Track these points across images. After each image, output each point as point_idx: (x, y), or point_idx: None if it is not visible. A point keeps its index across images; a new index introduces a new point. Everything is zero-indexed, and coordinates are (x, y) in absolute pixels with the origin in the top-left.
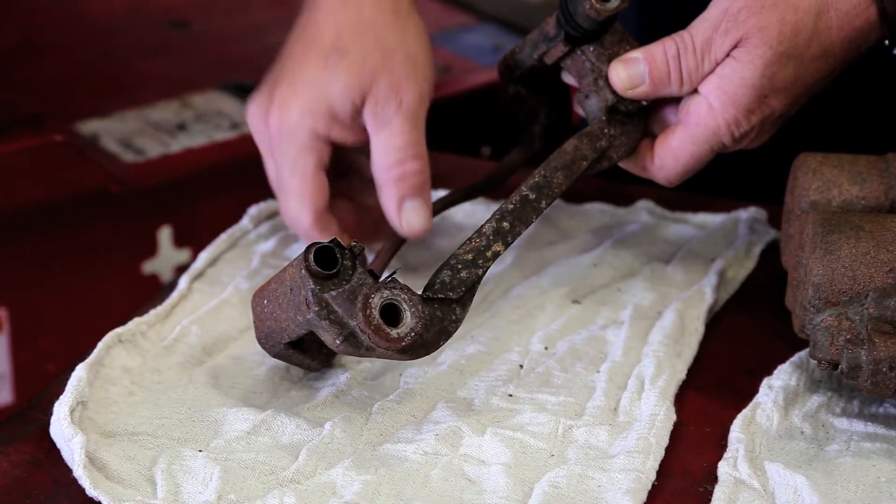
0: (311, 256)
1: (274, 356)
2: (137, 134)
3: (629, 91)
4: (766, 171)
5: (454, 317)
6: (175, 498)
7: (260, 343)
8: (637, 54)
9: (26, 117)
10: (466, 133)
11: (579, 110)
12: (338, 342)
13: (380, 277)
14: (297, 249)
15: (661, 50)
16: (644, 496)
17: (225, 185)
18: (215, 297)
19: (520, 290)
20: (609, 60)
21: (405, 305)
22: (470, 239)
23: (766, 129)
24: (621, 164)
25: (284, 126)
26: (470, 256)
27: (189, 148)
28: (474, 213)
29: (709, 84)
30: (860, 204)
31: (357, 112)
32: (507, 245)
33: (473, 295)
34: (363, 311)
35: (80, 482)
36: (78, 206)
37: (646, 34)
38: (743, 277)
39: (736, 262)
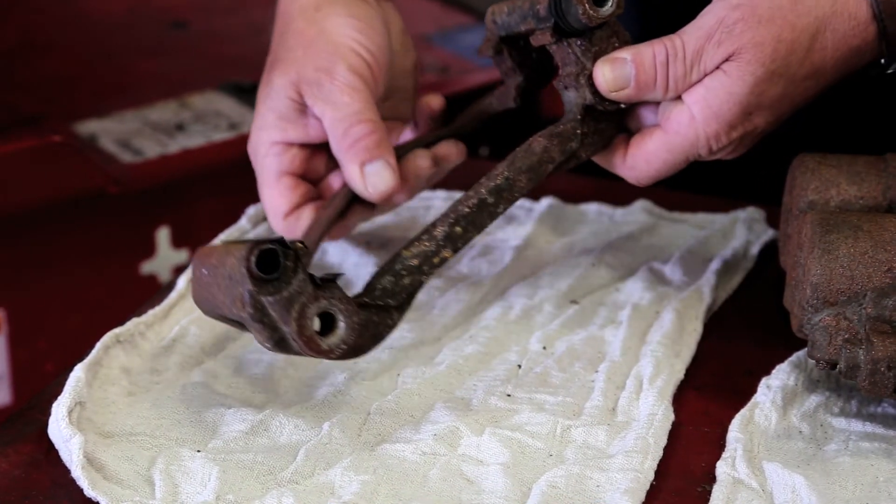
0: (254, 258)
1: (211, 317)
2: (136, 134)
3: (612, 93)
4: (765, 171)
5: (390, 322)
6: (173, 498)
7: (196, 303)
8: (626, 55)
9: (26, 117)
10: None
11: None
12: (268, 345)
13: (320, 241)
14: None
15: (651, 53)
16: (642, 496)
17: (223, 186)
18: None
19: (518, 290)
20: (595, 57)
21: (341, 316)
22: (419, 239)
23: (746, 144)
24: (595, 158)
25: (249, 149)
26: (416, 262)
27: (187, 148)
28: None
29: (694, 94)
30: (858, 204)
31: (301, 106)
32: (456, 251)
33: (413, 299)
34: (297, 320)
35: (78, 483)
36: (76, 207)
37: (641, 34)
38: (741, 277)
39: (734, 262)
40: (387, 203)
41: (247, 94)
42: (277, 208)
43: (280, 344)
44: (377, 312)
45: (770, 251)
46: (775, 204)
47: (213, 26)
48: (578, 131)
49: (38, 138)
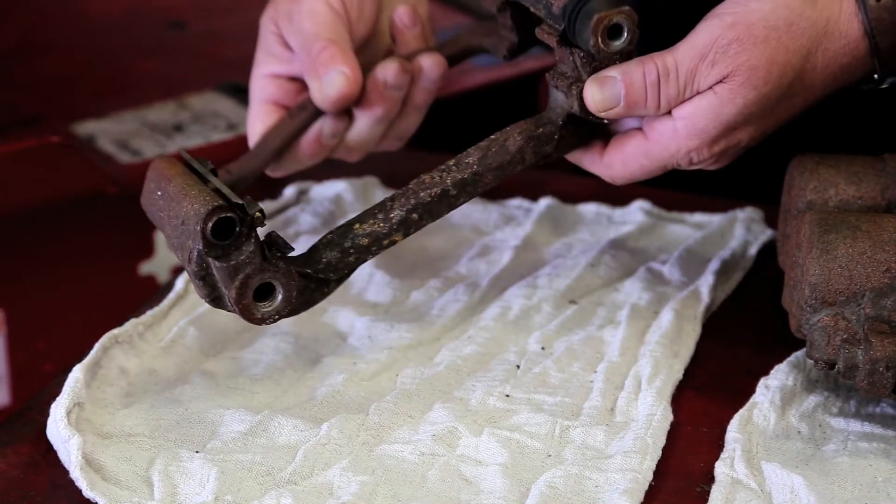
0: (211, 224)
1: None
2: (134, 135)
3: (602, 112)
4: (764, 171)
5: (326, 290)
6: (172, 499)
7: (142, 205)
8: (615, 73)
9: (24, 118)
10: (464, 133)
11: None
12: (206, 300)
13: (277, 152)
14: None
15: (641, 73)
16: (641, 496)
17: None
18: None
19: (516, 291)
20: (593, 72)
21: (281, 289)
22: (374, 217)
23: (728, 157)
24: (567, 155)
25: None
26: (365, 242)
27: (185, 149)
28: (471, 215)
29: (682, 110)
30: (857, 204)
31: (284, 40)
32: (406, 236)
33: (353, 272)
34: (238, 289)
35: (77, 483)
36: (75, 207)
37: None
38: (740, 277)
39: (732, 262)
40: (372, 120)
41: (245, 94)
42: (254, 131)
43: (216, 301)
44: (316, 283)
45: (768, 251)
46: (774, 204)
47: (212, 26)
48: (556, 136)
49: (36, 139)
